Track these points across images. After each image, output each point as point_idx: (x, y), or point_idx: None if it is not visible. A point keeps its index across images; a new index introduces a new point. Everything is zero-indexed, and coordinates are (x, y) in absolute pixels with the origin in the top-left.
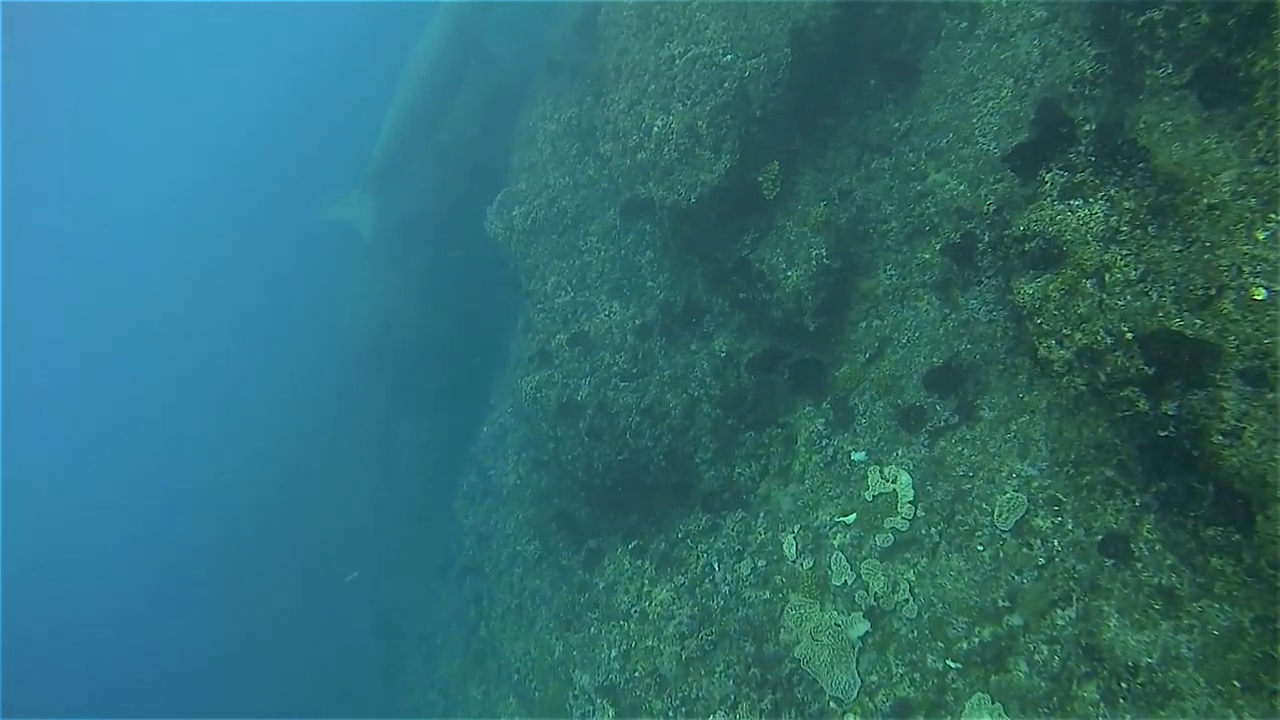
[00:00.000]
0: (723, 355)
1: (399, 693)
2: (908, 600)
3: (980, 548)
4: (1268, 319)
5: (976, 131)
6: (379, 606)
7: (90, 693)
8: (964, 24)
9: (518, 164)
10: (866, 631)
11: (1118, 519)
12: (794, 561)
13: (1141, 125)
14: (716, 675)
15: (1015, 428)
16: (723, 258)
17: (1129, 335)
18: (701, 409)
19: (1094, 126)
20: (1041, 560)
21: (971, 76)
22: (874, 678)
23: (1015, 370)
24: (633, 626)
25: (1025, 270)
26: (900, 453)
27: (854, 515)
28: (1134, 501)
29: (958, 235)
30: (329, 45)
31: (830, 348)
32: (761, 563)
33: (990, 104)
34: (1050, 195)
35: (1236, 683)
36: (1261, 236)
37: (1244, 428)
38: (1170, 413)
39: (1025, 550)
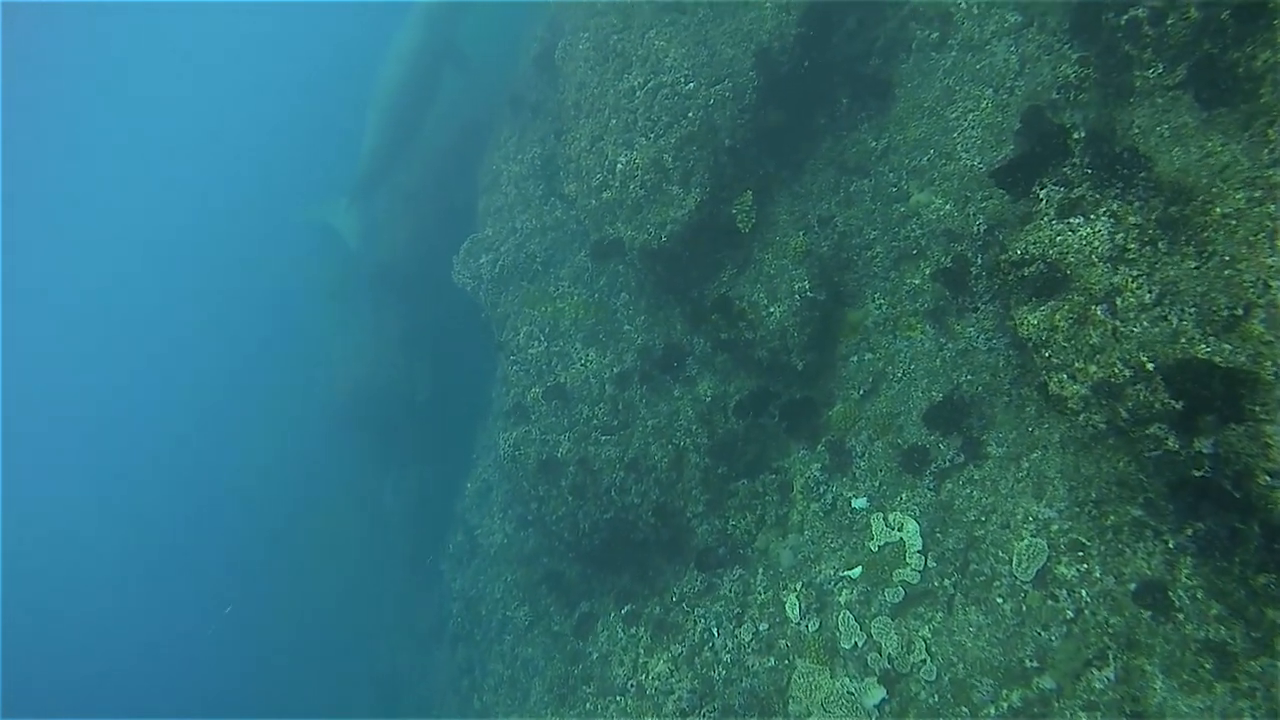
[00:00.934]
0: (708, 400)
1: None
2: (925, 661)
3: (1000, 600)
4: None
5: (958, 147)
6: (375, 671)
7: (90, 693)
8: (935, 34)
9: (483, 208)
10: (883, 699)
11: (1150, 563)
12: (798, 623)
13: (1136, 130)
14: None
15: (1027, 465)
16: (700, 297)
17: (1150, 366)
18: (689, 459)
19: (1084, 134)
20: (1070, 613)
21: (948, 89)
22: None
23: (1022, 402)
24: (630, 702)
25: (1027, 298)
26: (904, 497)
27: (859, 568)
28: (1167, 543)
29: (948, 259)
30: (325, 47)
31: (821, 385)
32: (764, 626)
33: (970, 117)
34: (1047, 214)
35: None
36: None
37: None
38: (1205, 451)
39: (1050, 602)
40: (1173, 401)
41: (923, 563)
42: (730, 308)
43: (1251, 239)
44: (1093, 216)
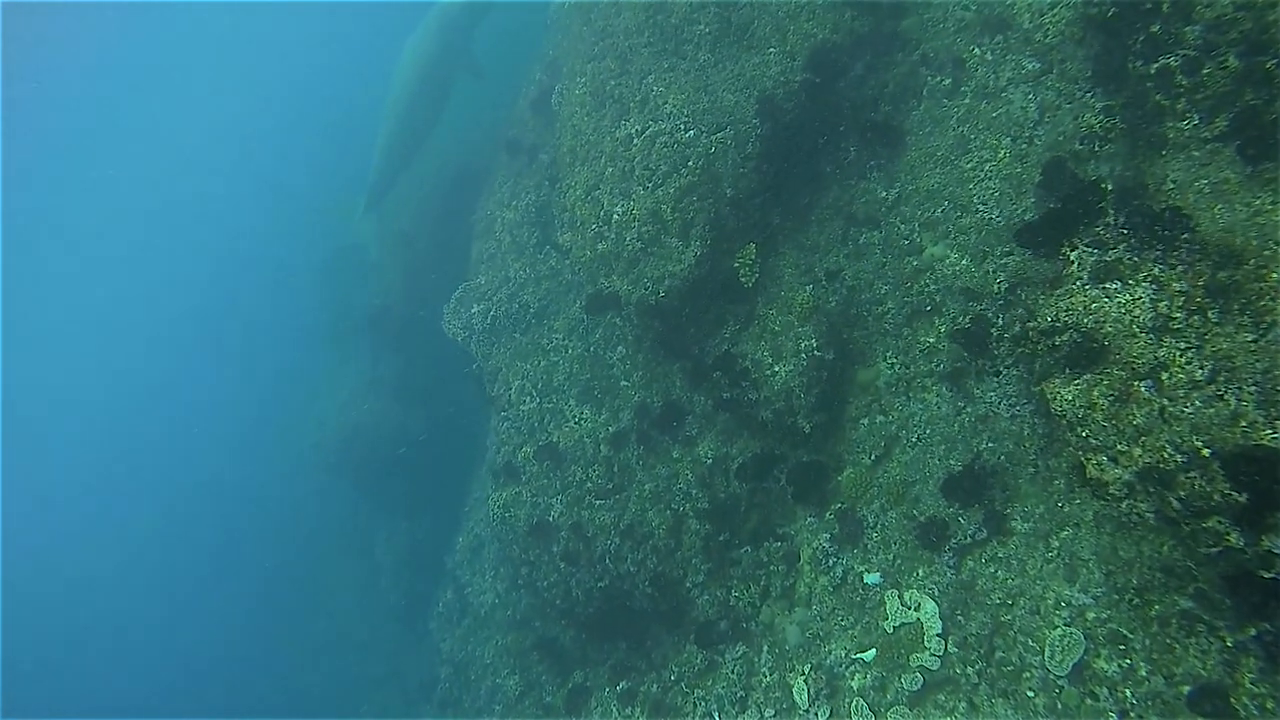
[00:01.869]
0: (709, 462)
1: None
2: None
3: (1031, 693)
4: None
5: (975, 199)
6: None
7: (90, 693)
8: (947, 81)
9: (477, 254)
10: None
11: (1206, 664)
12: (807, 710)
13: (1171, 185)
14: None
15: (1057, 544)
16: (701, 354)
17: (1206, 452)
18: (689, 525)
19: (1112, 187)
20: (1113, 714)
21: (962, 137)
22: None
23: (1050, 474)
24: None
25: (1059, 370)
26: (921, 574)
27: (873, 651)
28: (1224, 642)
29: (967, 319)
30: (331, 49)
31: (830, 449)
32: (769, 713)
33: (987, 167)
34: (1079, 278)
35: None
36: None
37: None
38: (1277, 551)
39: (1090, 701)
40: (1235, 493)
41: (943, 647)
42: (733, 365)
43: None
44: (1131, 282)
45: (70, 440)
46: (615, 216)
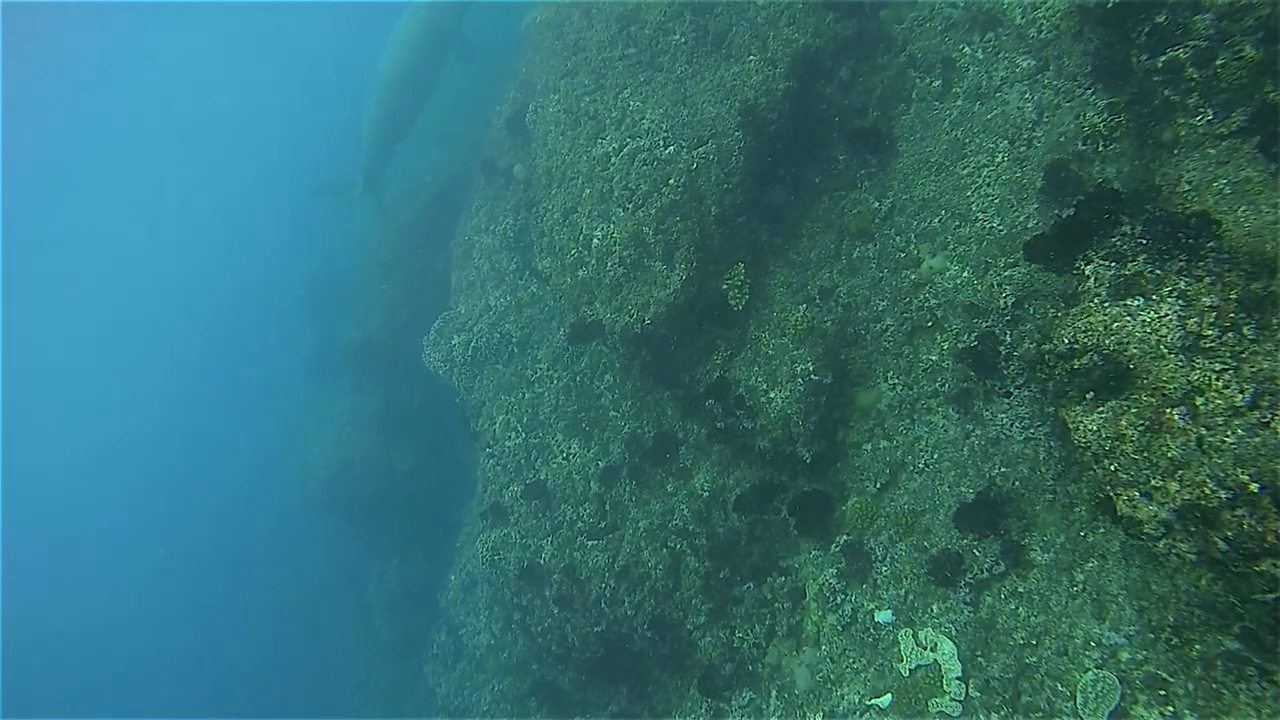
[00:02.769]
0: (705, 495)
1: None
2: None
3: None
4: None
5: (973, 206)
6: None
7: (90, 693)
8: (937, 82)
9: (456, 283)
10: None
11: (1260, 712)
12: None
13: (1188, 186)
14: None
15: (1082, 577)
16: (692, 382)
17: (1254, 487)
18: (687, 563)
19: (1120, 188)
20: None
21: (956, 141)
22: None
23: (1070, 501)
24: None
25: (1080, 397)
26: (936, 611)
27: (889, 696)
28: None
29: (973, 337)
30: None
31: (832, 477)
32: None
33: (985, 173)
34: (1098, 294)
35: None
36: None
37: None
38: None
39: None
40: None
41: (964, 692)
42: (726, 393)
43: None
44: (1155, 298)
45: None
46: (595, 241)
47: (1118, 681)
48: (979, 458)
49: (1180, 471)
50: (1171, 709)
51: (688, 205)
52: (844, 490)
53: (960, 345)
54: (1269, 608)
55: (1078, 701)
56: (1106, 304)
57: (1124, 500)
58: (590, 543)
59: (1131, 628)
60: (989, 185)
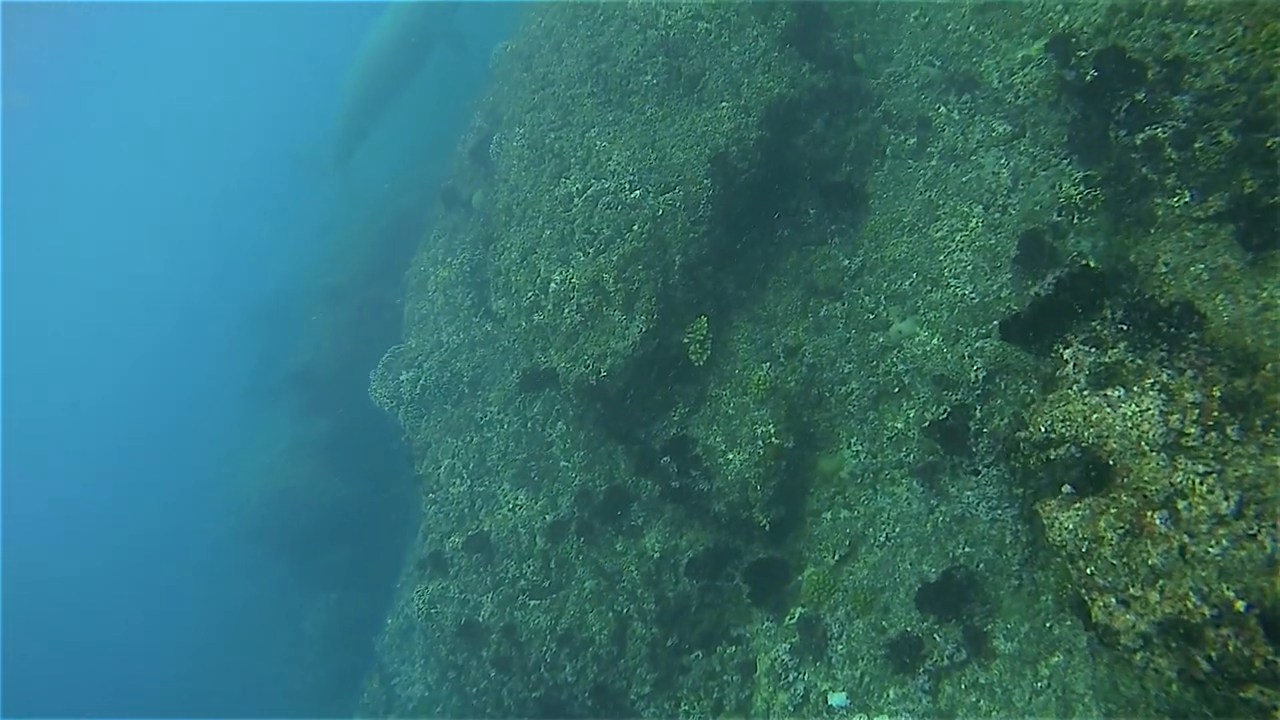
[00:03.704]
0: (656, 556)
1: None
2: None
3: None
4: None
5: (945, 271)
6: None
7: (90, 693)
8: (912, 140)
9: (409, 314)
10: None
11: None
12: None
13: (1164, 268)
14: None
15: (1046, 672)
16: (648, 438)
17: (1240, 605)
18: (633, 629)
19: (1098, 266)
20: None
21: (930, 202)
22: None
23: (1036, 589)
24: None
25: (1055, 489)
26: (893, 697)
27: None
28: None
29: (941, 411)
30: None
31: (789, 544)
32: None
33: (958, 237)
34: (1076, 382)
35: None
36: None
37: None
38: None
39: None
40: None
41: None
42: (683, 452)
43: None
44: (1136, 389)
45: None
46: (553, 285)
47: None
48: (943, 535)
49: (1161, 581)
50: None
51: (651, 253)
52: (801, 559)
53: (928, 417)
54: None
55: None
56: (1086, 392)
57: (1099, 606)
58: (532, 602)
59: None
60: (962, 250)
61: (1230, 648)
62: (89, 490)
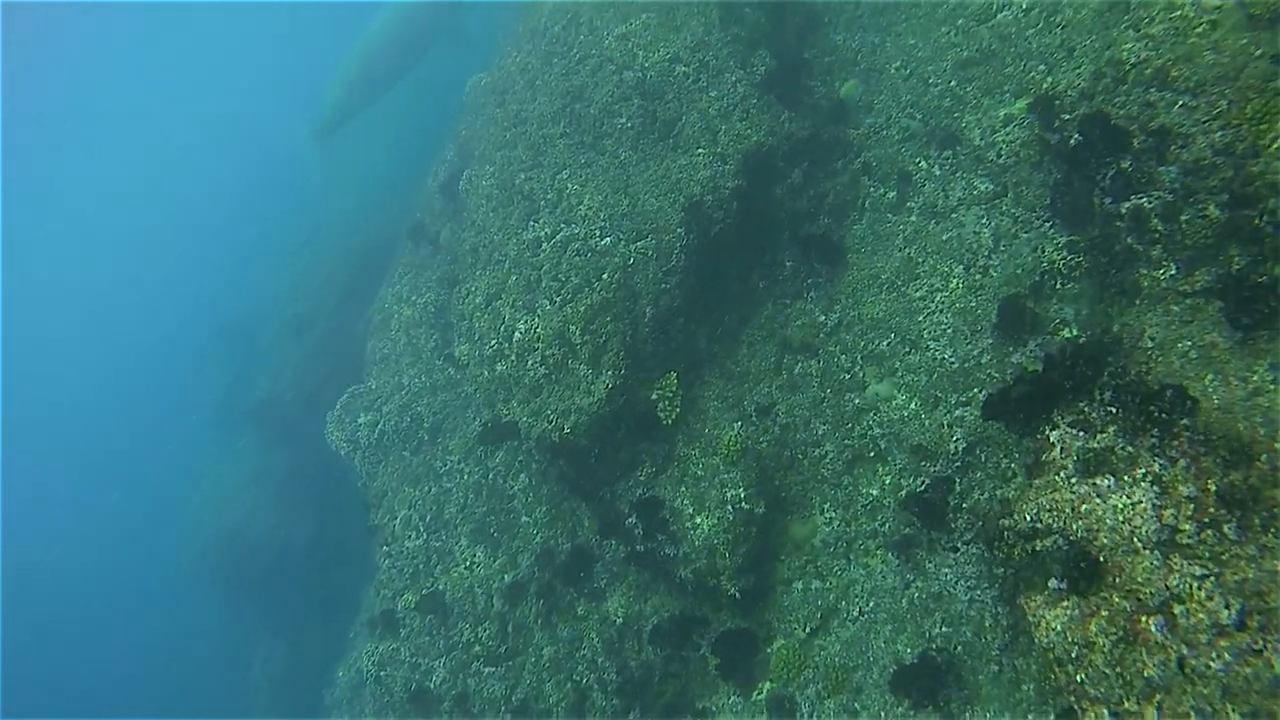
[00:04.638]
0: (618, 622)
1: None
2: None
3: None
4: None
5: (924, 333)
6: None
7: (90, 693)
8: (892, 194)
9: (371, 352)
10: None
11: None
12: None
13: (1149, 343)
14: None
15: None
16: (613, 497)
17: None
18: (593, 700)
19: (1078, 332)
20: None
21: (909, 260)
22: None
23: (1016, 678)
24: None
25: (1042, 584)
26: None
27: None
28: None
29: (919, 481)
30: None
31: (759, 614)
32: None
33: (938, 297)
34: (1064, 468)
35: None
36: None
37: None
38: None
39: None
40: None
41: None
42: (649, 514)
43: None
44: (1128, 479)
45: None
46: (517, 334)
47: None
48: (919, 613)
49: (1158, 696)
50: None
51: (621, 304)
52: (771, 631)
53: (904, 485)
54: None
55: None
56: (1074, 480)
57: (1092, 718)
58: (487, 669)
59: None
60: (942, 312)
61: None
62: (47, 515)
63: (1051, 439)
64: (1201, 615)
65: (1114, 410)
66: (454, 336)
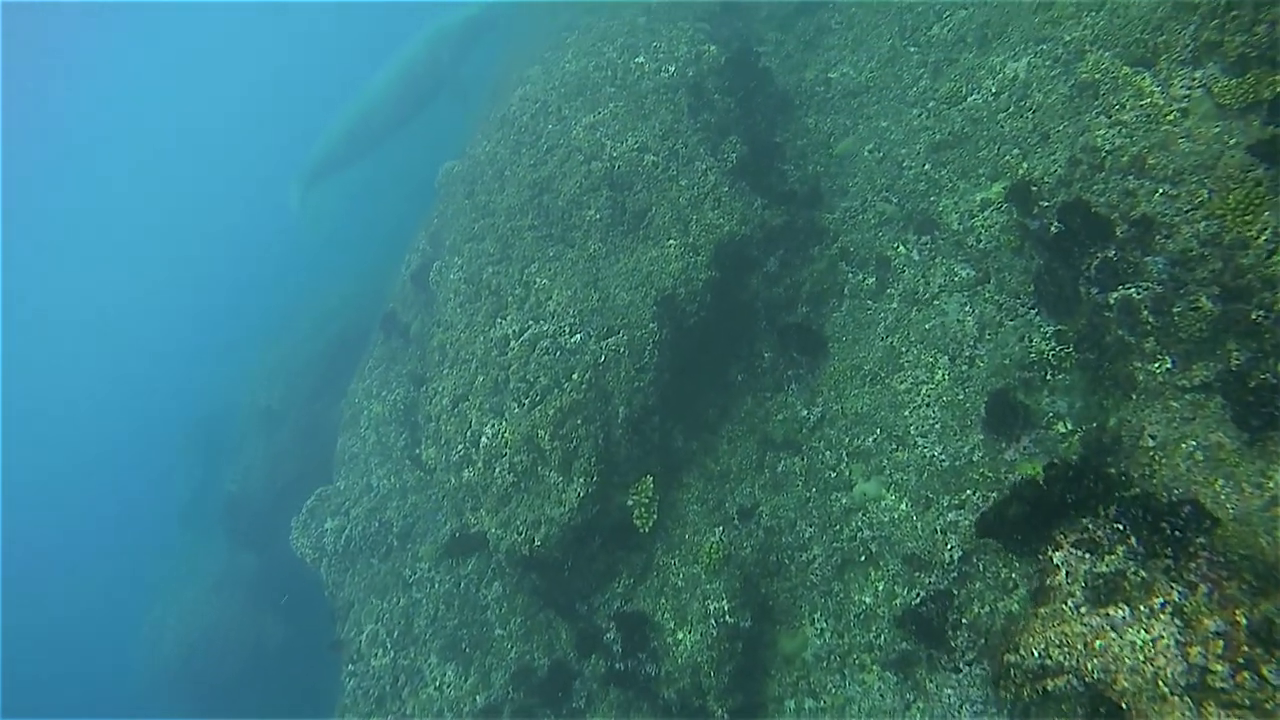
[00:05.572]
0: None
1: None
2: None
3: None
4: None
5: (911, 429)
6: None
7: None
8: (871, 280)
9: (340, 450)
10: None
11: None
12: None
13: (1150, 442)
14: None
15: None
16: (590, 611)
17: None
18: None
19: (1072, 427)
20: None
21: (892, 350)
22: None
23: None
24: None
25: None
26: None
27: None
28: None
29: (915, 595)
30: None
31: None
32: None
33: (924, 390)
34: (1071, 595)
35: None
36: None
37: None
38: None
39: None
40: None
41: None
42: (628, 628)
43: None
44: (1144, 610)
45: None
46: (484, 439)
47: None
48: None
49: None
50: None
51: (592, 405)
52: None
53: (898, 595)
54: None
55: None
56: (1084, 610)
57: None
58: None
59: None
60: (928, 406)
61: None
62: (12, 620)
63: (1055, 561)
64: None
65: (1121, 527)
66: (421, 438)
